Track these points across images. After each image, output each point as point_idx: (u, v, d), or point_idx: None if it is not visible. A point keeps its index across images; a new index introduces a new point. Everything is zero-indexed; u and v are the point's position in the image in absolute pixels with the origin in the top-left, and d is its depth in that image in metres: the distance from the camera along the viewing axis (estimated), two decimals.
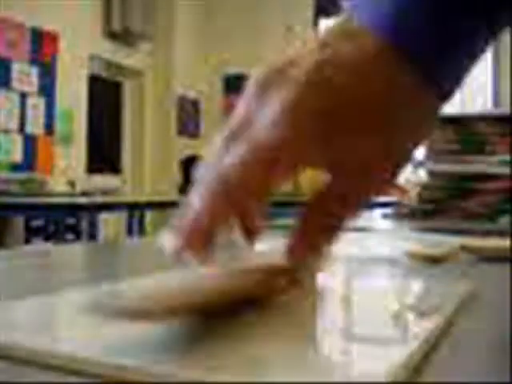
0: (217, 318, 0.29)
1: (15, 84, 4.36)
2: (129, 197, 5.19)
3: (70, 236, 4.25)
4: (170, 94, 5.86)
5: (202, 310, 0.28)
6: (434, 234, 0.86)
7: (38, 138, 4.55)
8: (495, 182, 1.04)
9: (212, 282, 0.31)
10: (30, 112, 4.48)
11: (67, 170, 4.78)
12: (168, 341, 0.26)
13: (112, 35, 5.30)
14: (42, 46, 4.59)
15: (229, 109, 6.31)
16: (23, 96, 4.42)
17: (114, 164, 5.67)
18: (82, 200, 4.07)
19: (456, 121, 1.12)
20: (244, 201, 0.32)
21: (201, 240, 0.32)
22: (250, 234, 0.37)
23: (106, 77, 5.55)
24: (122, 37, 5.36)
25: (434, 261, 0.56)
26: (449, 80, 0.31)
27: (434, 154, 1.14)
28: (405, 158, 0.33)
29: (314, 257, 0.34)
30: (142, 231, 4.66)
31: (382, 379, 0.21)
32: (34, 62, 4.51)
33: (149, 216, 5.10)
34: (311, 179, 5.50)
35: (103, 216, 4.64)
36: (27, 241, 4.18)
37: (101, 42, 5.23)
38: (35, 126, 4.52)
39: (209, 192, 0.31)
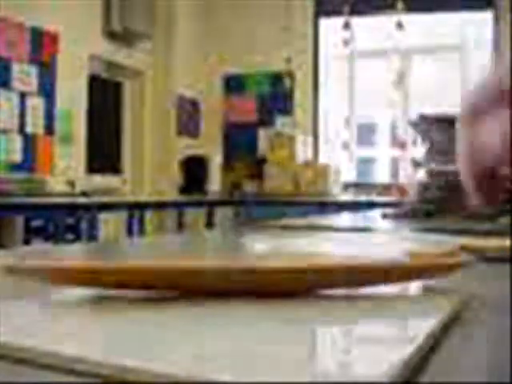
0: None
1: (15, 84, 4.36)
2: (129, 197, 5.19)
3: (69, 236, 4.25)
4: (169, 94, 5.86)
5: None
6: (434, 234, 0.86)
7: (38, 138, 4.54)
8: None
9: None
10: (29, 112, 4.47)
11: (67, 170, 4.77)
12: (167, 341, 0.26)
13: (112, 35, 5.30)
14: (41, 46, 4.59)
15: (229, 109, 6.31)
16: (23, 96, 4.42)
17: (114, 164, 5.67)
18: (82, 200, 4.06)
19: (456, 121, 1.11)
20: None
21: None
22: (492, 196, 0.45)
23: (106, 77, 5.55)
24: (121, 37, 5.36)
25: None
26: None
27: (434, 154, 1.14)
28: None
29: None
30: (141, 231, 4.66)
31: (382, 379, 0.21)
32: (33, 61, 4.51)
33: (149, 216, 5.10)
34: (311, 179, 5.50)
35: (103, 216, 4.64)
36: (27, 241, 4.18)
37: (101, 42, 5.23)
38: (35, 126, 4.52)
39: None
